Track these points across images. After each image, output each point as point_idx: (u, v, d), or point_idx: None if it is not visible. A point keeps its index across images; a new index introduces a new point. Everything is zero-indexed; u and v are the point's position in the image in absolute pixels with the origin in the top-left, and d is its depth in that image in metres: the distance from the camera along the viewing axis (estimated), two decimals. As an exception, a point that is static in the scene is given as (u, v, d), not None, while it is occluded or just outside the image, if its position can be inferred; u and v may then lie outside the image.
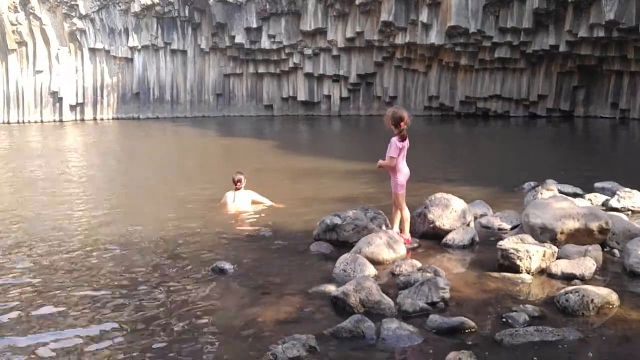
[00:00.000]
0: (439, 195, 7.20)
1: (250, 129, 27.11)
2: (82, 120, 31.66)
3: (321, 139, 23.46)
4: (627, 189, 8.95)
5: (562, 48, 25.69)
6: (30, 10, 29.91)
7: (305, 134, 25.31)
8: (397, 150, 6.58)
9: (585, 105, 27.50)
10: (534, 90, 28.04)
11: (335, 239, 6.91)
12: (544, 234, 6.50)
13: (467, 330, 4.47)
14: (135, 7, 30.94)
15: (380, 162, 6.71)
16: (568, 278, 5.61)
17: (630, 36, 23.64)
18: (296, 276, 5.93)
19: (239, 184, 9.09)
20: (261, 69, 32.65)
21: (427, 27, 28.11)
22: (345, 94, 32.14)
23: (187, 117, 32.59)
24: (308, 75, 32.13)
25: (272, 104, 33.15)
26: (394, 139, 6.62)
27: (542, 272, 5.86)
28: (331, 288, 5.32)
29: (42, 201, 10.32)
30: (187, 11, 31.76)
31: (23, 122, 30.69)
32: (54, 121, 31.05)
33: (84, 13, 30.35)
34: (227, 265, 6.10)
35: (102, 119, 32.01)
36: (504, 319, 4.69)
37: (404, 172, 6.75)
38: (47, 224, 8.39)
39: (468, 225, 7.15)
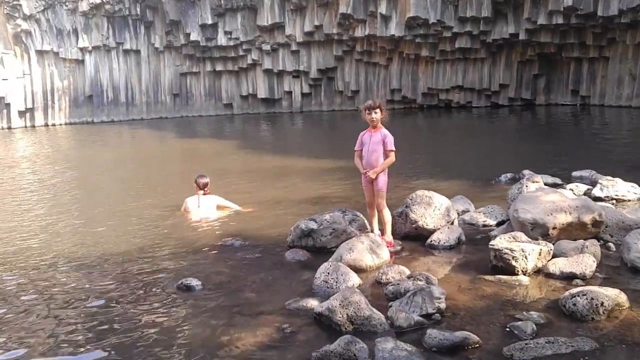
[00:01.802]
0: (420, 192, 6.71)
1: (210, 129, 26.30)
2: (33, 126, 30.26)
3: (285, 137, 22.85)
4: (609, 177, 8.66)
5: (522, 36, 25.65)
6: (-30, 13, 28.44)
7: (268, 132, 24.65)
8: None
9: (546, 93, 27.59)
10: (495, 80, 27.99)
11: (311, 245, 6.36)
12: (535, 230, 6.09)
13: (471, 346, 3.98)
14: (84, 6, 29.67)
15: (377, 170, 6.16)
16: (568, 278, 5.20)
17: (589, 22, 23.72)
18: (272, 291, 5.35)
19: (205, 188, 8.43)
20: (219, 67, 31.79)
21: (386, 18, 27.74)
22: (306, 89, 31.57)
23: (144, 119, 31.50)
24: (267, 72, 31.44)
25: (232, 102, 32.34)
26: (387, 130, 6.18)
27: (539, 272, 5.43)
28: (313, 303, 4.77)
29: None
30: (138, 9, 30.64)
31: (-32, 131, 29.16)
32: (2, 128, 29.59)
33: (28, 13, 28.94)
34: (194, 282, 5.48)
35: (54, 125, 30.66)
36: (508, 329, 4.24)
37: None
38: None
39: (452, 223, 6.69)
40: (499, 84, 27.92)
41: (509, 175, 10.30)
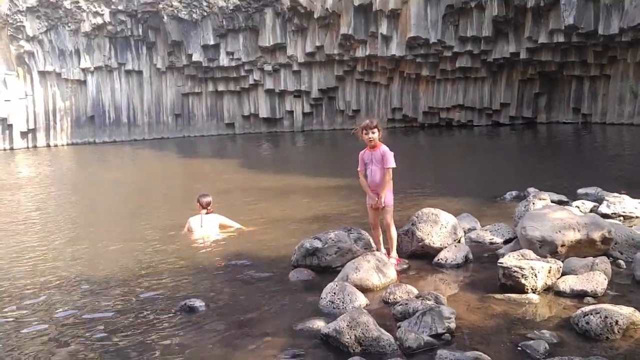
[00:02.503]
0: (426, 210, 6.62)
1: (212, 149, 26.29)
2: (35, 147, 30.27)
3: (286, 156, 22.81)
4: (615, 194, 8.58)
5: (523, 55, 25.73)
6: (-26, 34, 28.62)
7: (270, 152, 24.62)
8: None
9: (547, 111, 27.59)
10: (496, 99, 28.03)
11: (316, 265, 6.26)
12: (543, 248, 5.99)
13: (483, 367, 3.86)
14: (86, 27, 29.85)
15: (382, 195, 6.13)
16: (579, 295, 5.09)
17: (590, 40, 23.79)
18: (277, 311, 5.24)
19: (208, 207, 8.35)
20: (221, 87, 31.89)
21: (387, 39, 27.87)
22: (307, 109, 31.63)
23: (146, 139, 31.52)
24: (269, 92, 31.53)
25: (234, 122, 32.39)
26: (386, 147, 6.11)
27: (549, 289, 5.33)
28: (320, 324, 4.66)
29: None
30: (140, 30, 30.83)
31: (-30, 152, 29.17)
32: (4, 149, 29.60)
33: (31, 35, 29.11)
34: (198, 303, 5.37)
35: (55, 145, 30.68)
36: (520, 348, 4.13)
37: None
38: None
39: (459, 241, 6.59)
40: (500, 103, 27.95)
41: (513, 192, 10.21)
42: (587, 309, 4.48)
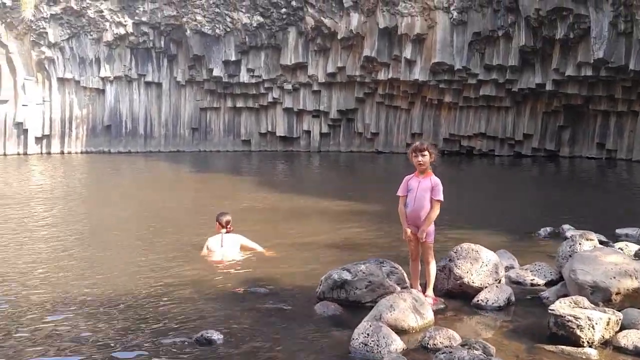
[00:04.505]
0: (466, 245, 6.11)
1: (228, 165, 25.91)
2: (49, 153, 30.03)
3: (303, 176, 22.36)
4: (663, 237, 8.02)
5: (549, 87, 25.21)
6: (-3, 38, 28.57)
7: (286, 171, 24.19)
8: None
9: (571, 145, 26.97)
10: (519, 129, 27.46)
11: (344, 298, 5.76)
12: (595, 294, 5.45)
13: None
14: (108, 37, 29.76)
15: (424, 228, 5.58)
16: (642, 354, 4.54)
17: (619, 75, 23.27)
18: (302, 349, 4.75)
19: (228, 225, 7.88)
20: (239, 103, 31.60)
21: (410, 63, 27.50)
22: (325, 129, 31.23)
23: (161, 151, 31.22)
24: (287, 110, 31.19)
25: (250, 139, 32.03)
26: (438, 178, 5.60)
27: (606, 344, 4.80)
28: (353, 369, 4.15)
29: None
30: (162, 42, 30.70)
31: (-16, 155, 28.97)
32: (18, 154, 29.38)
33: (53, 41, 29.03)
34: (216, 335, 4.88)
35: (69, 153, 30.43)
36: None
37: None
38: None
39: (500, 281, 6.06)
40: (523, 134, 27.38)
41: (548, 229, 9.66)
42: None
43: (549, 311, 4.95)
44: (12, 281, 6.78)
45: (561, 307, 4.94)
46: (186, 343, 4.83)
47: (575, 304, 5.04)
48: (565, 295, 5.53)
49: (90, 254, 8.31)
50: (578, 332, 4.73)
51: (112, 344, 4.84)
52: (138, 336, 5.02)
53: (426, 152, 5.55)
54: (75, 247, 8.84)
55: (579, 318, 4.77)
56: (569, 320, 4.78)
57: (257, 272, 7.08)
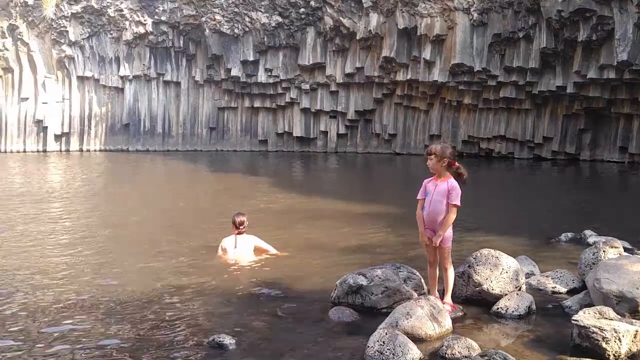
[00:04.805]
0: (485, 251, 5.93)
1: (245, 164, 25.87)
2: (68, 151, 30.29)
3: (320, 177, 22.22)
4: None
5: (570, 89, 24.81)
6: (18, 36, 28.83)
7: (303, 171, 24.09)
8: None
9: (592, 148, 26.51)
10: (539, 132, 27.07)
11: (359, 304, 5.61)
12: (620, 304, 5.26)
13: None
14: (128, 36, 29.95)
15: (441, 234, 5.39)
16: (671, 369, 4.34)
17: (643, 78, 22.84)
18: (316, 355, 4.61)
19: (241, 226, 7.77)
20: (257, 103, 31.59)
21: (429, 64, 27.26)
22: (342, 130, 31.09)
23: (179, 150, 31.34)
24: (305, 111, 31.10)
25: (267, 139, 32.01)
26: (455, 182, 5.40)
27: (633, 357, 4.58)
28: (368, 379, 4.01)
29: (13, 248, 8.93)
30: (181, 42, 30.81)
31: (4, 152, 29.24)
32: (38, 151, 29.66)
33: (73, 40, 29.28)
34: (228, 340, 4.77)
35: (88, 150, 30.67)
36: None
37: None
38: (5, 282, 7.00)
39: (520, 289, 5.88)
40: (543, 137, 26.99)
41: (569, 234, 9.43)
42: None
43: (573, 321, 4.76)
44: (24, 282, 6.74)
45: (585, 317, 4.75)
46: (198, 347, 4.73)
47: (600, 314, 4.85)
48: (588, 305, 5.35)
49: (106, 254, 8.25)
50: (604, 344, 4.54)
51: (123, 346, 4.75)
52: (149, 339, 4.93)
53: (432, 157, 5.38)
54: (91, 247, 8.78)
55: (604, 330, 4.58)
56: (593, 332, 4.59)
57: (270, 274, 6.96)
